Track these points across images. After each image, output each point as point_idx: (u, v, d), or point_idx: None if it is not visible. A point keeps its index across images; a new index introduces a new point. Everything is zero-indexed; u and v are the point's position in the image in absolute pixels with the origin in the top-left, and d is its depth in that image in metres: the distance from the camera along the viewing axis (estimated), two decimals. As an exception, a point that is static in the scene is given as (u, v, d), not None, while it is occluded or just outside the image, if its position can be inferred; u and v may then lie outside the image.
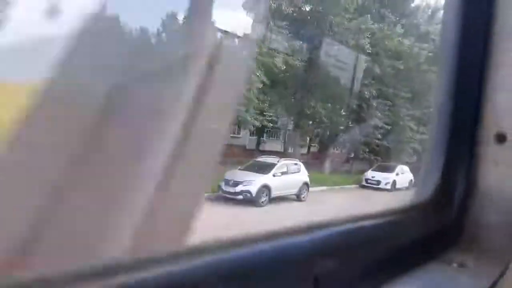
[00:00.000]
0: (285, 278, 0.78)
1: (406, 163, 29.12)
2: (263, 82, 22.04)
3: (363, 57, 20.93)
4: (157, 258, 0.64)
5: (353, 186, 20.31)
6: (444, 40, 1.45)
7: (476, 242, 1.25)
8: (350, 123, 23.50)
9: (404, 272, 1.04)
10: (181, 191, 0.79)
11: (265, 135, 32.88)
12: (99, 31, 0.73)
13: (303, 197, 13.40)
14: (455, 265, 1.16)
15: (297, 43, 21.00)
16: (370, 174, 20.60)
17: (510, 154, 1.24)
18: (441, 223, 1.29)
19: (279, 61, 20.22)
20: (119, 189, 0.70)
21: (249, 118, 17.36)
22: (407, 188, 22.21)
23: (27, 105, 0.64)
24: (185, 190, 0.80)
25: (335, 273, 0.87)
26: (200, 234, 0.80)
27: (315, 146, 26.00)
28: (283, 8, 21.30)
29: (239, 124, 18.29)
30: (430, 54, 25.16)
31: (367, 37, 20.09)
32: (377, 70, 22.87)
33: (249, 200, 11.50)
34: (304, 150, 29.92)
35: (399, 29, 23.33)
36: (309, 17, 20.79)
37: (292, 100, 21.77)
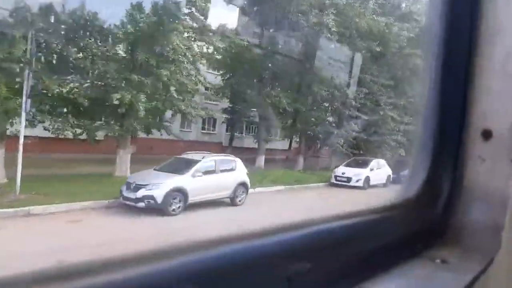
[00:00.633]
0: (258, 278, 0.78)
1: (390, 157, 26.64)
2: (217, 68, 19.68)
3: (330, 39, 18.41)
4: (126, 260, 0.64)
5: (322, 184, 17.87)
6: (430, 39, 1.42)
7: (461, 238, 1.26)
8: (322, 114, 20.99)
9: (386, 270, 1.04)
10: None
11: (244, 130, 30.67)
12: None
13: (240, 201, 11.02)
14: (438, 261, 1.18)
15: (254, 21, 18.59)
16: (340, 170, 18.14)
17: (496, 151, 1.24)
18: (427, 220, 1.30)
19: (233, 46, 17.80)
20: None
21: (192, 110, 14.92)
22: (384, 185, 19.73)
23: None
24: None
25: (312, 272, 0.86)
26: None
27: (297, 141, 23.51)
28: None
29: (183, 115, 15.83)
30: (412, 35, 22.61)
31: (332, 13, 17.53)
32: (349, 52, 20.34)
33: (155, 208, 9.13)
34: (287, 145, 27.54)
35: (373, 6, 20.71)
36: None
37: (250, 89, 19.31)
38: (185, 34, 14.00)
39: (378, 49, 20.66)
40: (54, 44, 11.45)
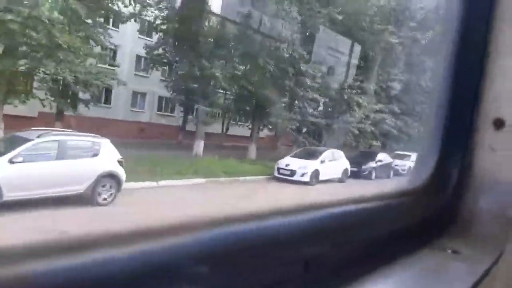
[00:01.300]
0: (274, 260, 0.73)
1: (354, 147, 23.60)
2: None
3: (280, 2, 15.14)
4: (131, 235, 0.59)
5: (262, 177, 14.75)
6: (445, 25, 1.43)
7: (470, 228, 1.25)
8: (273, 94, 17.74)
9: (397, 258, 1.02)
10: None
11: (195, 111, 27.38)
12: None
13: (105, 199, 7.83)
14: (449, 251, 1.17)
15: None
16: (284, 161, 15.01)
17: (508, 140, 1.23)
18: (436, 209, 1.28)
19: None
20: None
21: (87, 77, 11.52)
22: (340, 180, 16.67)
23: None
24: None
25: (326, 257, 0.84)
26: None
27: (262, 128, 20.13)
28: None
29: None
30: (382, 5, 19.41)
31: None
32: (306, 21, 17.08)
33: None
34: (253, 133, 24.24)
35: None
36: None
37: (185, 60, 15.97)
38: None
39: (340, 17, 17.35)
40: None
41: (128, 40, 18.60)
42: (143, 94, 23.85)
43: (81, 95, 13.41)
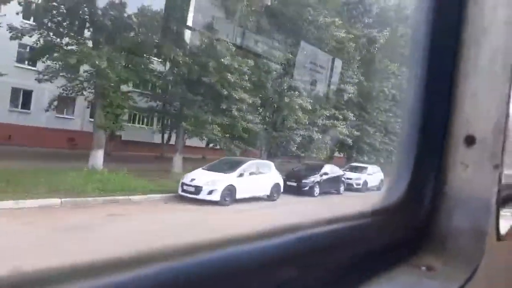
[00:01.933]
0: (246, 285, 0.75)
1: (299, 159, 20.70)
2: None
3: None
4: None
5: (162, 195, 11.59)
6: (414, 44, 1.46)
7: (445, 244, 1.24)
8: (188, 93, 14.62)
9: (372, 277, 1.01)
10: None
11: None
12: None
13: None
14: (423, 268, 1.17)
15: None
16: (191, 175, 11.92)
17: (479, 156, 1.23)
18: (410, 226, 1.27)
19: None
20: None
21: None
22: (269, 198, 13.39)
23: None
24: None
25: (299, 280, 0.83)
26: None
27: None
28: None
29: None
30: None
31: None
32: (233, 8, 14.25)
33: None
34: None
35: None
36: None
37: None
38: None
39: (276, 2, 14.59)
40: None
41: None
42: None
43: None
